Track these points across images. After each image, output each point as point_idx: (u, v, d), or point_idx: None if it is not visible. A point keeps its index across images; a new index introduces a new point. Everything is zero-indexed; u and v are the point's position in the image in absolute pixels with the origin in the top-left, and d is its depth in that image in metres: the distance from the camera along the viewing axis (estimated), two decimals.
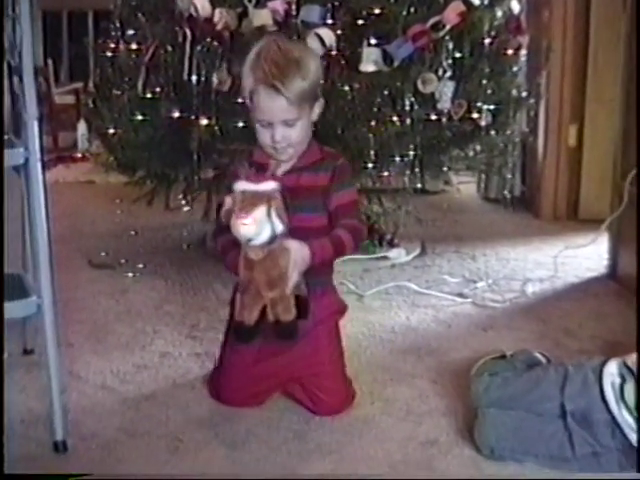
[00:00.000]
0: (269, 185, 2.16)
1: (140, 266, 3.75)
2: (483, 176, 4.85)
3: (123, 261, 3.80)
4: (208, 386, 2.57)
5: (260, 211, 2.11)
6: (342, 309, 2.57)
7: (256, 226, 2.11)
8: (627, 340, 2.86)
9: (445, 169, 3.70)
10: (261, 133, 2.36)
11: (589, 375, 2.26)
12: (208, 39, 3.31)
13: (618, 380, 2.23)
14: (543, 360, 2.55)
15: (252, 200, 2.13)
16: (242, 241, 2.16)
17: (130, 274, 3.67)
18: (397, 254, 3.88)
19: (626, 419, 2.17)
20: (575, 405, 2.23)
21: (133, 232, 4.17)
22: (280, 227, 2.15)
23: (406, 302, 3.37)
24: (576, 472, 2.19)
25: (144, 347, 2.91)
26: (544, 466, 2.21)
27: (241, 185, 2.16)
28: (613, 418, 2.19)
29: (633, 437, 2.16)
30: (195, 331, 3.04)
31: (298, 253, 2.23)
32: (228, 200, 2.18)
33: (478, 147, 3.76)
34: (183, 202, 3.67)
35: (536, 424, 2.25)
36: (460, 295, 3.45)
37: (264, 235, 2.13)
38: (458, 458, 2.26)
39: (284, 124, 2.33)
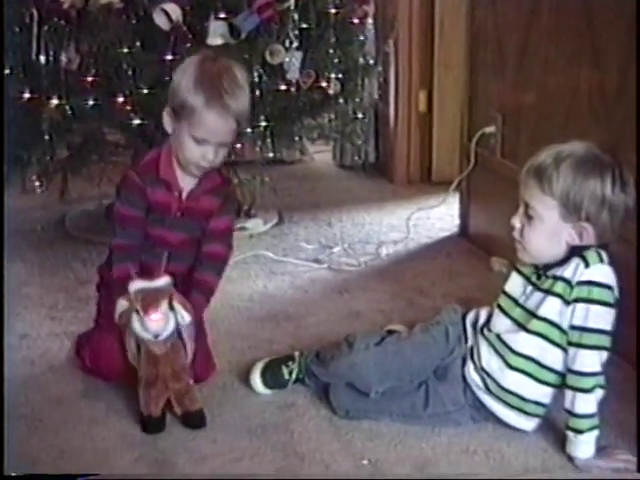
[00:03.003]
0: (164, 280, 2.17)
1: None
2: (338, 144, 4.91)
3: None
4: (82, 357, 2.54)
5: (165, 305, 2.13)
6: None
7: (164, 321, 2.13)
8: (478, 296, 2.97)
9: (297, 138, 3.74)
10: (192, 149, 2.31)
11: (449, 330, 2.34)
12: (55, 18, 3.27)
13: (470, 340, 2.33)
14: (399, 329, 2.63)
15: (155, 295, 2.14)
16: (146, 337, 2.16)
17: None
18: (254, 224, 3.92)
19: (473, 378, 2.26)
20: (441, 362, 2.31)
21: None
22: (187, 318, 2.19)
23: (263, 270, 3.42)
24: (428, 427, 2.26)
25: None
26: (397, 422, 2.28)
27: (136, 284, 2.15)
28: (464, 376, 2.28)
29: (481, 395, 2.25)
30: (54, 311, 3.03)
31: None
32: (123, 302, 2.20)
33: (331, 115, 3.82)
34: (37, 184, 3.62)
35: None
36: (316, 261, 3.52)
37: (169, 328, 2.16)
38: (315, 419, 2.32)
39: (218, 144, 2.32)
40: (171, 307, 2.16)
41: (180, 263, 2.46)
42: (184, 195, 2.42)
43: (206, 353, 2.52)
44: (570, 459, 2.10)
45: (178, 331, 2.21)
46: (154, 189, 2.41)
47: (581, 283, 2.08)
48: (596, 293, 2.07)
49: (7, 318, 2.92)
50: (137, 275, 2.18)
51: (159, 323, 2.12)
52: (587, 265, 2.07)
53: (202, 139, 2.30)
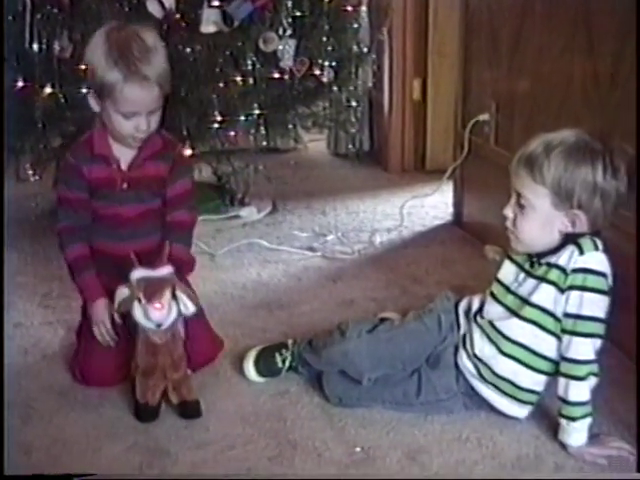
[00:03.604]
0: (167, 269, 2.18)
1: None
2: (332, 133, 4.91)
3: None
4: (72, 371, 2.50)
5: (168, 294, 2.14)
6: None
7: (167, 310, 2.13)
8: (472, 283, 2.97)
9: (291, 127, 3.74)
10: (123, 125, 2.29)
11: (442, 317, 2.34)
12: (48, 6, 3.27)
13: (462, 328, 2.33)
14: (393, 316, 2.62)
15: (160, 284, 2.14)
16: (149, 326, 2.16)
17: None
18: (248, 212, 3.92)
19: (466, 366, 2.26)
20: (434, 350, 2.31)
21: None
22: (191, 308, 2.20)
23: (257, 259, 3.43)
24: (421, 414, 2.27)
25: None
26: (390, 409, 2.28)
27: (138, 273, 2.16)
28: (456, 364, 2.28)
29: (474, 382, 2.25)
30: (47, 300, 3.04)
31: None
32: (124, 290, 2.19)
33: (325, 103, 3.82)
34: (30, 172, 3.61)
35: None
36: (310, 249, 3.52)
37: (171, 317, 2.16)
38: (308, 407, 2.33)
39: (148, 113, 2.29)
40: (173, 296, 2.16)
41: (147, 238, 2.44)
42: (125, 166, 2.39)
43: (210, 333, 2.55)
44: (563, 446, 2.10)
45: (185, 321, 2.24)
46: (90, 167, 2.37)
47: (576, 270, 2.07)
48: (591, 281, 2.06)
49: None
50: (138, 263, 2.18)
51: (162, 312, 2.12)
52: (582, 252, 2.07)
53: (130, 113, 2.28)
